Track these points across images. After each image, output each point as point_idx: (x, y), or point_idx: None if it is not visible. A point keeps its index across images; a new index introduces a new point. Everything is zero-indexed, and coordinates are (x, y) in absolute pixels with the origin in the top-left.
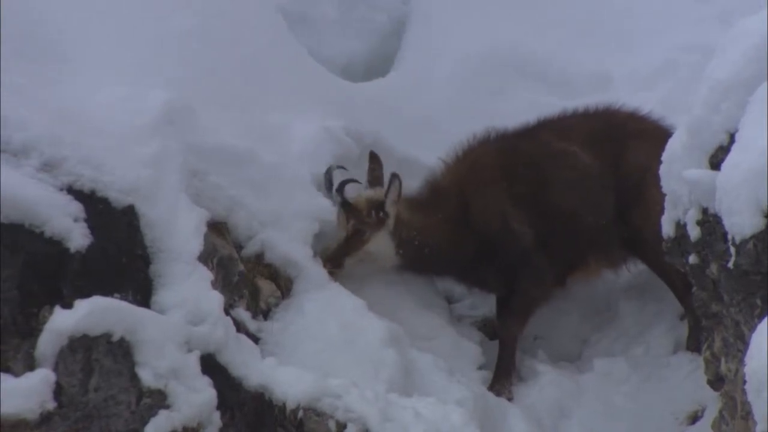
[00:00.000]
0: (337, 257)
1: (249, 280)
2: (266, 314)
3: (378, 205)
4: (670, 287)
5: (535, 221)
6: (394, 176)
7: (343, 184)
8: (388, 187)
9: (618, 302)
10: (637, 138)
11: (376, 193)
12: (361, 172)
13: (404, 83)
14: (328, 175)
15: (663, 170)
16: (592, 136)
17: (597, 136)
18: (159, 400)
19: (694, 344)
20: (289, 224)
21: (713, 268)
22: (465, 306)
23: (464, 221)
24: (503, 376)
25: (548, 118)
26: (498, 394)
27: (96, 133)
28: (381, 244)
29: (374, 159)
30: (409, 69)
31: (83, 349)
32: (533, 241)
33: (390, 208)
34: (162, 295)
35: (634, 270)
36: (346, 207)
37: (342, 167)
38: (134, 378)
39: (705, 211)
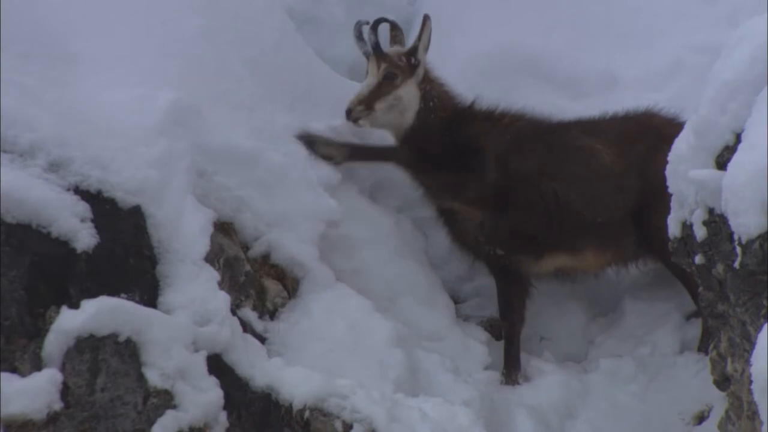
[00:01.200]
0: (369, 100)
1: (255, 280)
2: (273, 314)
3: (410, 53)
4: (686, 288)
5: (517, 190)
6: (426, 17)
7: (377, 22)
8: (421, 30)
9: (624, 302)
10: (670, 143)
11: (403, 48)
12: (369, 173)
13: None
14: (358, 26)
15: (669, 170)
16: (621, 137)
17: (627, 137)
18: (166, 400)
19: (707, 345)
20: (295, 225)
21: (719, 268)
22: (471, 306)
23: (457, 132)
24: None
25: (588, 117)
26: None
27: (103, 134)
28: (411, 92)
29: (396, 27)
30: None
31: (90, 349)
32: (494, 183)
33: (422, 55)
34: (169, 296)
35: (642, 269)
36: (378, 51)
37: (367, 22)
38: (141, 378)
39: (711, 211)
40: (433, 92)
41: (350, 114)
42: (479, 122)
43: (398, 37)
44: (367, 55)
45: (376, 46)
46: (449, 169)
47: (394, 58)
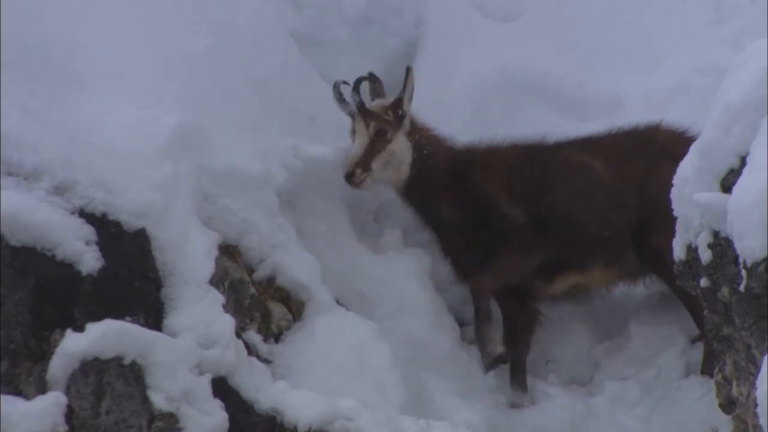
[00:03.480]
0: (365, 161)
1: (260, 303)
2: (277, 337)
3: (395, 105)
4: (688, 310)
5: (531, 217)
6: (409, 68)
7: (358, 82)
8: (405, 81)
9: (630, 326)
10: (672, 159)
11: (388, 99)
12: (373, 196)
13: (416, 106)
14: (337, 88)
15: (674, 193)
16: (619, 152)
17: (626, 152)
18: (170, 423)
19: (709, 368)
20: (300, 248)
21: (724, 291)
22: None
23: (460, 185)
24: (482, 333)
25: (588, 134)
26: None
27: (108, 156)
28: (402, 145)
29: (375, 79)
30: (421, 92)
31: (95, 372)
32: (523, 222)
33: (407, 106)
34: (173, 319)
35: (649, 289)
36: (364, 111)
37: (346, 82)
38: (146, 401)
39: (716, 234)
40: (423, 141)
41: (351, 179)
42: (479, 169)
43: (378, 89)
44: (351, 114)
45: (362, 106)
46: (488, 247)
47: (381, 114)
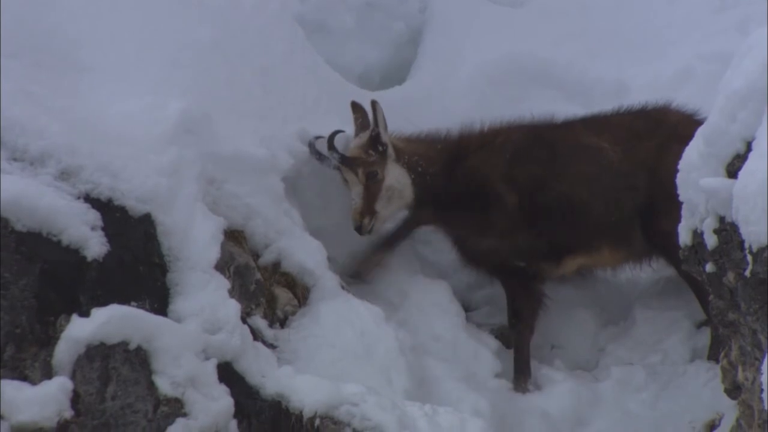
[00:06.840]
0: (368, 208)
1: (266, 288)
2: (283, 322)
3: (373, 141)
4: (695, 294)
5: (529, 200)
6: (374, 102)
7: (332, 136)
8: (374, 117)
9: (635, 311)
10: (684, 142)
11: (363, 136)
12: None
13: (421, 91)
14: (312, 147)
15: (680, 179)
16: (630, 134)
17: (637, 134)
18: (176, 408)
19: (716, 354)
20: (306, 233)
21: (730, 276)
22: (482, 314)
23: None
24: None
25: (596, 114)
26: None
27: (114, 142)
28: (396, 175)
29: (357, 108)
30: (426, 77)
31: (100, 357)
32: (514, 203)
33: (385, 138)
34: (179, 304)
35: (655, 274)
36: (347, 162)
37: (320, 136)
38: (151, 386)
39: (722, 219)
40: (413, 159)
41: (362, 230)
42: (474, 154)
43: (360, 119)
44: (336, 167)
45: (344, 159)
46: (470, 210)
47: (364, 157)
